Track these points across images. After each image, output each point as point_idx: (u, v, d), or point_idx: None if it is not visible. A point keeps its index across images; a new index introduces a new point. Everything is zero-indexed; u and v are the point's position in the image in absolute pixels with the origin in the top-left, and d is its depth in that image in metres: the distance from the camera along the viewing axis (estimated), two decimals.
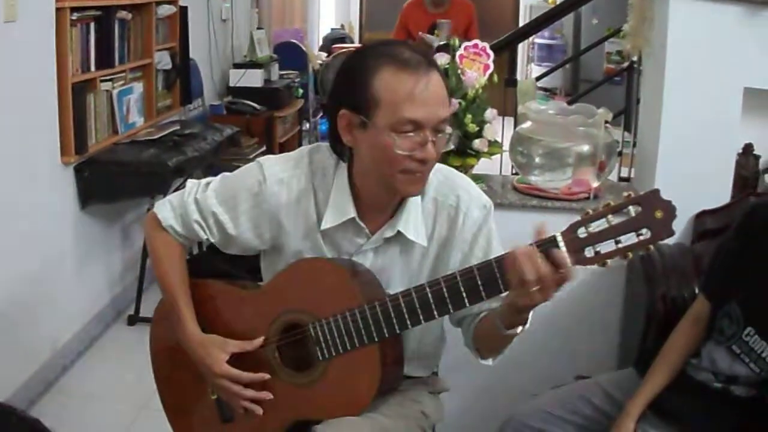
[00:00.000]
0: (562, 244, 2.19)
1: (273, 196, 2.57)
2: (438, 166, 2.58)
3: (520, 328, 2.39)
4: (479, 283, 2.31)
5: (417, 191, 2.47)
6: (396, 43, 2.48)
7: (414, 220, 2.54)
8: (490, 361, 2.64)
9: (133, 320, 5.66)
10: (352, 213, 2.51)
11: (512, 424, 3.10)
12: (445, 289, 2.35)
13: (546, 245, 2.19)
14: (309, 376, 2.56)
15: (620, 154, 5.14)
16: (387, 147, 2.33)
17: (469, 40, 4.06)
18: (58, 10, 4.77)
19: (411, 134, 2.32)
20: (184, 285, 2.70)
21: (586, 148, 3.81)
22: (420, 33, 6.73)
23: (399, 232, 2.52)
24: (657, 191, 2.16)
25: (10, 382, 4.44)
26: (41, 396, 4.72)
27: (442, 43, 4.48)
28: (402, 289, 2.49)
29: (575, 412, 3.10)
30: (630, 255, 2.19)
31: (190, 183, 2.72)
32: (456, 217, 2.57)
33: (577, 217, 2.21)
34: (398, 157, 2.34)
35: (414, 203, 2.54)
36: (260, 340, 2.59)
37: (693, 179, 3.70)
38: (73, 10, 4.94)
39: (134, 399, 4.55)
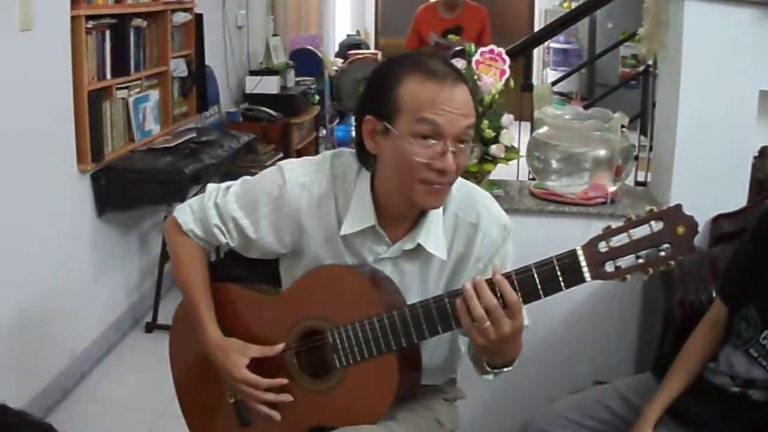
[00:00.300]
0: (582, 258, 2.19)
1: (294, 200, 2.57)
2: (461, 181, 2.59)
3: (506, 369, 2.43)
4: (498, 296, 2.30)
5: (436, 204, 2.46)
6: (428, 55, 2.50)
7: (435, 234, 2.52)
8: (490, 377, 2.60)
9: (151, 327, 5.67)
10: (372, 221, 2.51)
11: (530, 430, 3.10)
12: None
13: (567, 260, 2.20)
14: (326, 383, 2.56)
15: (636, 158, 5.12)
16: (407, 154, 2.33)
17: (482, 45, 4.07)
18: (73, 18, 4.79)
19: (431, 142, 2.32)
20: (206, 288, 2.71)
21: (602, 152, 3.81)
22: (431, 32, 7.23)
23: (419, 245, 2.52)
24: (679, 206, 2.16)
25: (28, 388, 4.46)
26: (59, 403, 4.73)
27: (458, 48, 4.53)
28: (417, 301, 2.49)
29: (593, 417, 3.10)
30: (650, 271, 2.18)
31: (211, 187, 2.73)
32: (475, 235, 2.56)
33: (594, 222, 2.22)
34: (417, 165, 2.33)
35: (435, 216, 2.53)
36: (281, 346, 2.58)
37: (709, 183, 3.70)
38: (89, 18, 4.96)
39: (152, 406, 4.56)
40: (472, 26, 8.24)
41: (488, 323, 2.18)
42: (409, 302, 2.49)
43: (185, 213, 2.71)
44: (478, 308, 2.18)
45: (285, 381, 2.58)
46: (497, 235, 2.58)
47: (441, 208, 2.53)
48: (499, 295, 2.20)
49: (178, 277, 2.76)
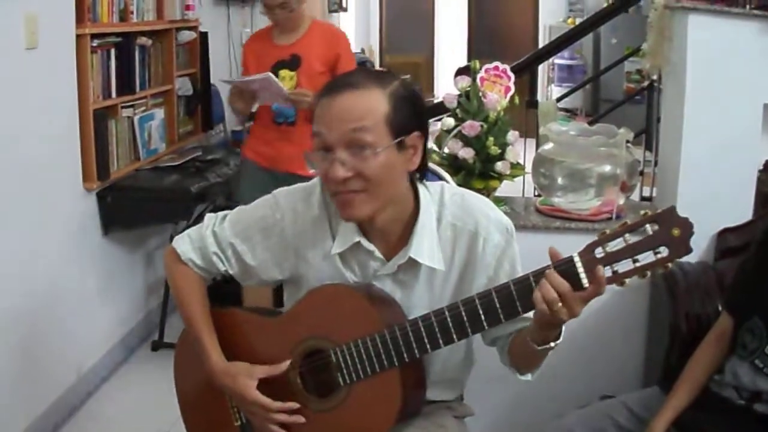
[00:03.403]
0: (579, 264, 2.19)
1: (289, 226, 2.59)
2: (456, 189, 2.62)
3: (553, 343, 2.38)
4: (497, 305, 2.31)
5: (351, 215, 2.43)
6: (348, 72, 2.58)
7: (429, 246, 2.51)
8: (529, 377, 2.63)
9: (157, 346, 5.67)
10: (356, 237, 2.51)
11: None
12: (464, 313, 2.35)
13: (563, 266, 2.21)
14: (331, 401, 2.55)
15: (642, 173, 5.12)
16: (317, 171, 2.43)
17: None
18: (78, 36, 4.81)
19: (325, 154, 2.36)
20: (206, 316, 2.71)
21: (608, 168, 3.81)
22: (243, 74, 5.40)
23: (411, 259, 2.50)
24: (673, 208, 2.16)
25: (35, 406, 4.47)
26: (66, 421, 4.74)
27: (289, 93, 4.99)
28: (424, 313, 2.49)
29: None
30: (648, 274, 2.18)
31: (208, 216, 2.75)
32: (475, 242, 2.54)
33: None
34: (323, 179, 2.45)
35: (426, 228, 2.51)
36: (286, 363, 2.57)
37: (715, 197, 3.71)
38: (94, 36, 4.97)
39: (158, 424, 4.55)
40: (319, 54, 5.33)
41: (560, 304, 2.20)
42: (414, 315, 2.49)
43: (184, 243, 2.72)
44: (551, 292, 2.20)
45: (297, 405, 2.57)
46: (500, 239, 2.56)
47: (435, 219, 2.53)
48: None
49: (179, 305, 2.76)
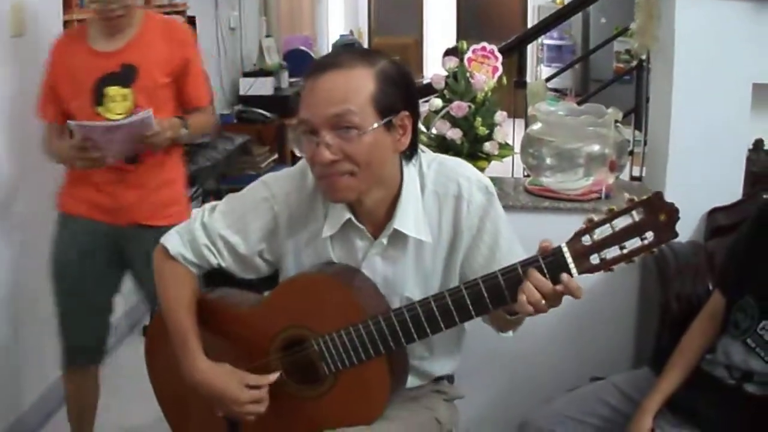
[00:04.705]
0: (568, 254, 2.21)
1: (282, 211, 2.59)
2: (433, 156, 2.63)
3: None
4: (485, 295, 2.31)
5: (336, 197, 2.43)
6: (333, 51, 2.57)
7: (414, 216, 2.51)
8: (510, 333, 2.64)
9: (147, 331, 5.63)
10: (347, 214, 2.50)
11: (528, 429, 3.10)
12: (450, 302, 2.35)
13: (552, 257, 2.22)
14: (318, 389, 2.56)
15: (631, 153, 5.11)
16: (304, 154, 2.42)
17: (189, 97, 3.97)
18: (65, 23, 4.79)
19: (311, 137, 2.35)
20: (192, 315, 2.64)
21: (596, 148, 3.80)
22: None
23: (395, 231, 2.50)
24: (660, 194, 2.17)
25: (27, 395, 4.53)
26: (56, 410, 4.76)
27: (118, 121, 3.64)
28: (417, 290, 2.53)
29: (592, 414, 3.10)
30: (635, 260, 2.20)
31: (195, 211, 2.72)
32: (460, 205, 2.54)
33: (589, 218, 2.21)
34: (309, 162, 2.42)
35: (410, 199, 2.51)
36: (275, 375, 2.56)
37: (704, 176, 3.71)
38: (81, 22, 4.92)
39: (150, 411, 4.53)
40: (160, 60, 3.88)
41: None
42: (408, 292, 2.54)
43: (172, 238, 2.69)
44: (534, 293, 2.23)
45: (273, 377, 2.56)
46: (481, 198, 2.55)
47: (418, 189, 2.53)
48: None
49: (164, 308, 2.68)
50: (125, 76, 3.77)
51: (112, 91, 3.75)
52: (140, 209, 3.88)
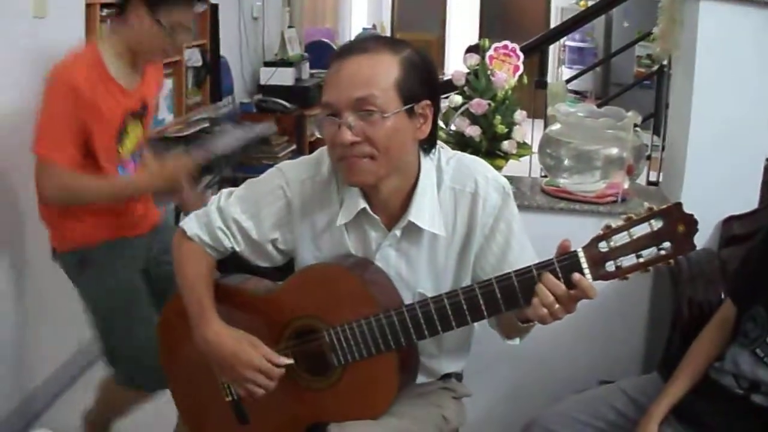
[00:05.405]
0: (583, 259, 2.20)
1: (296, 198, 2.60)
2: (450, 152, 2.63)
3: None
4: (498, 296, 2.31)
5: (356, 180, 2.44)
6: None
7: (429, 210, 2.51)
8: (516, 341, 2.65)
9: None
10: (362, 203, 2.51)
11: (535, 429, 3.09)
12: (463, 301, 2.35)
13: (567, 260, 2.22)
14: (326, 380, 2.56)
15: (649, 158, 5.12)
16: (324, 136, 2.43)
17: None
18: (88, 5, 4.81)
19: (333, 119, 2.36)
20: (208, 286, 2.65)
21: (614, 151, 3.80)
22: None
23: (411, 223, 2.50)
24: (680, 204, 2.16)
25: (36, 375, 4.54)
26: (65, 390, 4.77)
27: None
28: (429, 285, 2.54)
29: (598, 417, 3.09)
30: (650, 269, 2.20)
31: (214, 196, 2.75)
32: (476, 203, 2.54)
33: (605, 220, 2.21)
34: (329, 144, 2.43)
35: (427, 193, 2.52)
36: (289, 360, 2.56)
37: (721, 184, 3.70)
38: (103, 6, 4.96)
39: (150, 410, 4.46)
40: (156, 95, 4.06)
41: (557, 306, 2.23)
42: (420, 285, 2.55)
43: (190, 221, 2.72)
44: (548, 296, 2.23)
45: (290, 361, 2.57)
46: (497, 198, 2.55)
47: (434, 183, 2.54)
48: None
49: (180, 276, 2.69)
50: (141, 112, 3.78)
51: (130, 128, 3.71)
52: (153, 214, 4.01)
